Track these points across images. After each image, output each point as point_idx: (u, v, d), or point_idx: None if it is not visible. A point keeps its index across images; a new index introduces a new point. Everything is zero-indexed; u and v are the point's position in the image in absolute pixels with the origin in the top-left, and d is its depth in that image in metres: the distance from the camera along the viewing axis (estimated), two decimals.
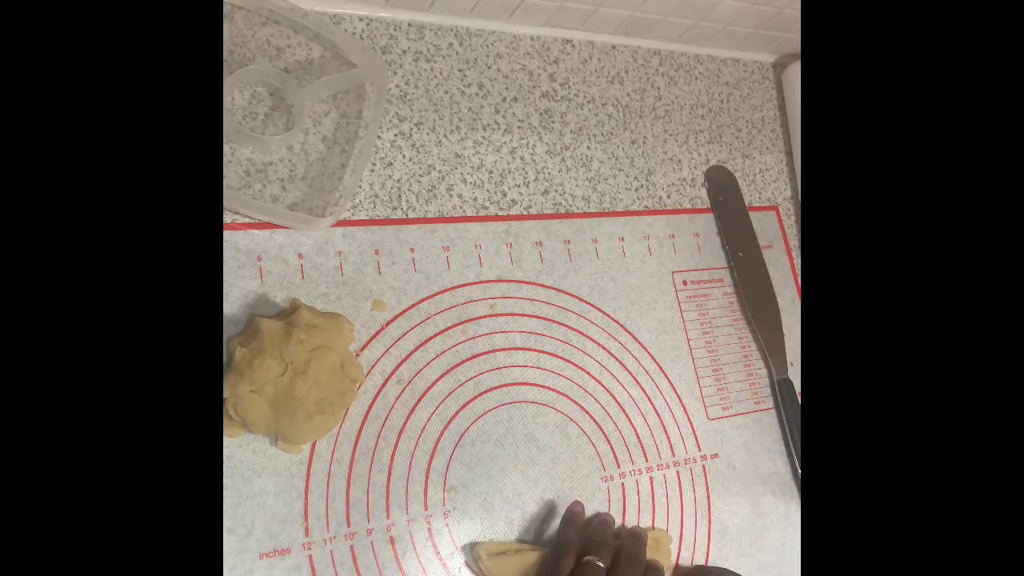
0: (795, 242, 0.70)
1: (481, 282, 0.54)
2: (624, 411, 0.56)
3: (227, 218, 0.47)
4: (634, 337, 0.58)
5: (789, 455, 0.61)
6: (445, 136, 0.56)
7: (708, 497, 0.57)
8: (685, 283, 0.62)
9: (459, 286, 0.53)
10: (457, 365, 0.51)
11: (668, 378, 0.58)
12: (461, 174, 0.56)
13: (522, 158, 0.59)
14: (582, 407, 0.54)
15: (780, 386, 0.62)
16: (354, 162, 0.52)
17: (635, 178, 0.63)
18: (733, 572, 0.52)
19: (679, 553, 0.54)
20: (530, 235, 0.56)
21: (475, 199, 0.56)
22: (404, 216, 0.53)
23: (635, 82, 0.66)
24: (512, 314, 0.54)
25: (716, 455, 0.58)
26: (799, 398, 0.62)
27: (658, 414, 0.57)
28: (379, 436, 0.48)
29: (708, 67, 0.71)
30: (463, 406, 0.50)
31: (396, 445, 0.48)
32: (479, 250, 0.54)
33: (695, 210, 0.65)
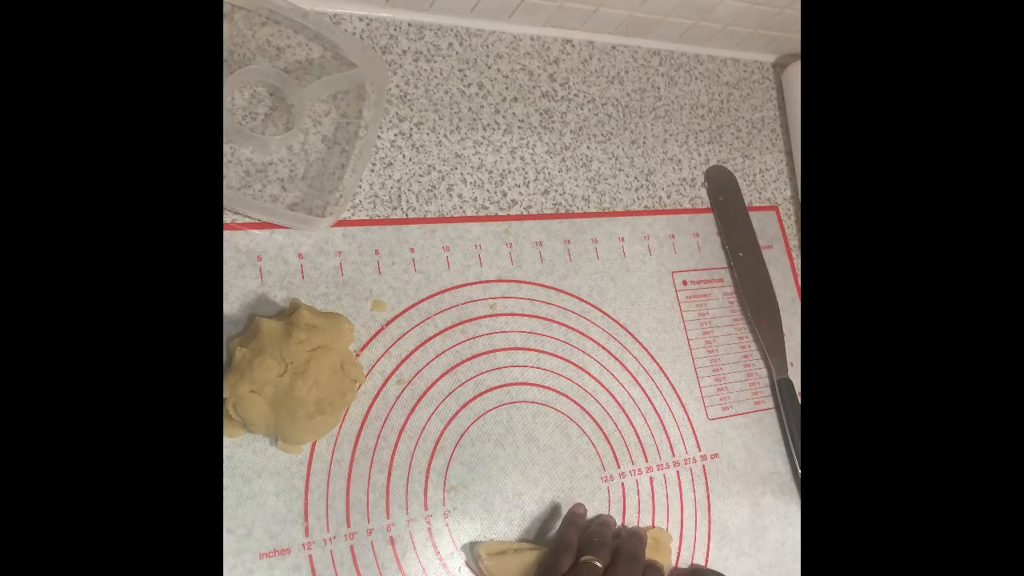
0: (795, 242, 0.70)
1: (481, 282, 0.54)
2: (624, 411, 0.56)
3: (227, 218, 0.47)
4: (634, 337, 0.58)
5: (789, 455, 0.61)
6: (445, 136, 0.56)
7: (708, 497, 0.57)
8: (685, 283, 0.62)
9: (459, 286, 0.53)
10: (457, 365, 0.51)
11: (668, 378, 0.58)
12: (461, 174, 0.56)
13: (522, 158, 0.59)
14: (582, 407, 0.54)
15: (780, 386, 0.62)
16: (354, 162, 0.52)
17: (635, 178, 0.63)
18: None
19: (679, 553, 0.54)
20: (530, 235, 0.56)
21: (475, 199, 0.56)
22: (404, 216, 0.53)
23: (635, 82, 0.66)
24: (512, 314, 0.54)
25: (716, 455, 0.58)
26: (799, 398, 0.62)
27: (658, 414, 0.57)
28: (379, 436, 0.48)
29: (708, 67, 0.71)
30: (463, 406, 0.50)
31: (396, 445, 0.48)
32: (479, 250, 0.54)
33: (695, 210, 0.65)
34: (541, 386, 0.53)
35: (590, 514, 0.52)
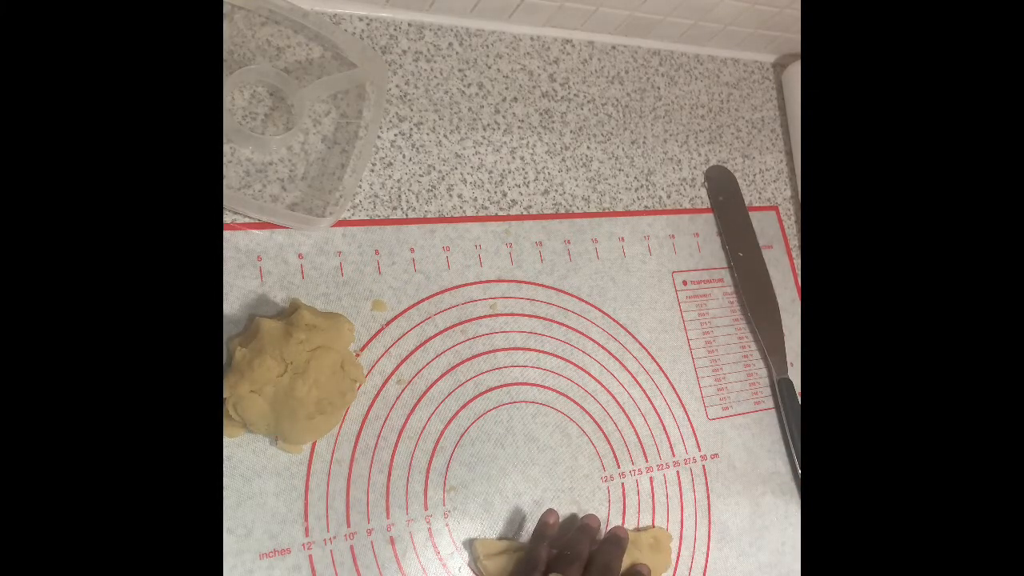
0: (795, 242, 0.70)
1: (481, 282, 0.54)
2: (624, 411, 0.56)
3: (227, 218, 0.47)
4: (634, 337, 0.58)
5: (789, 455, 0.61)
6: (445, 136, 0.56)
7: (708, 497, 0.57)
8: (685, 283, 0.62)
9: (459, 286, 0.53)
10: (457, 365, 0.51)
11: (668, 378, 0.58)
12: (461, 174, 0.56)
13: (522, 158, 0.59)
14: (582, 407, 0.54)
15: (780, 386, 0.62)
16: (354, 162, 0.52)
17: (635, 178, 0.63)
18: None
19: (679, 553, 0.54)
20: (530, 235, 0.56)
21: (475, 199, 0.56)
22: (404, 216, 0.53)
23: (635, 82, 0.66)
24: (512, 314, 0.54)
25: (716, 455, 0.58)
26: (799, 398, 0.62)
27: (658, 414, 0.57)
28: (379, 436, 0.48)
29: (708, 67, 0.71)
30: (463, 406, 0.50)
31: (396, 445, 0.48)
32: (479, 250, 0.54)
33: (695, 210, 0.65)
34: (541, 386, 0.53)
35: (589, 511, 0.52)
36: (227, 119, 0.47)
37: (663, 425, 0.57)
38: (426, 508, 0.48)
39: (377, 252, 0.51)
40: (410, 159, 0.54)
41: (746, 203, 0.68)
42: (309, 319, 0.44)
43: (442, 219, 0.54)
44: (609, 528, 0.51)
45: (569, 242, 0.58)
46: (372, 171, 0.53)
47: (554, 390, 0.54)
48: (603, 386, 0.56)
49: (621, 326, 0.58)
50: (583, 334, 0.56)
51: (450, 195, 0.55)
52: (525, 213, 0.57)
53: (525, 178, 0.58)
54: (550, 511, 0.50)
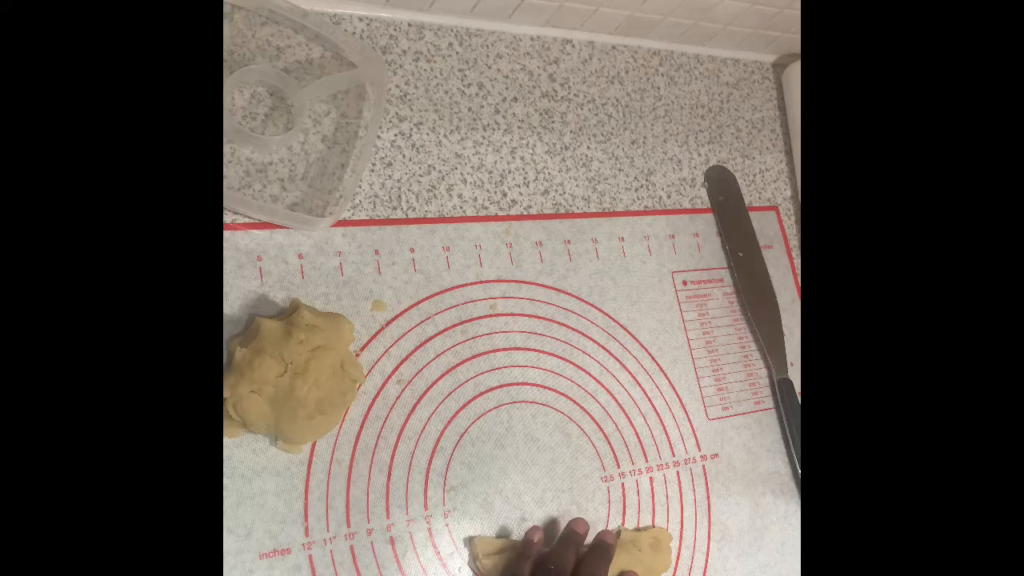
0: (795, 242, 0.70)
1: (481, 282, 0.54)
2: (624, 411, 0.56)
3: (227, 218, 0.47)
4: (634, 337, 0.58)
5: (789, 455, 0.61)
6: (445, 136, 0.56)
7: (708, 497, 0.57)
8: (685, 283, 0.62)
9: (459, 286, 0.53)
10: (457, 365, 0.51)
11: (668, 378, 0.58)
12: (461, 174, 0.56)
13: (522, 158, 0.59)
14: (582, 407, 0.54)
15: (780, 386, 0.62)
16: (354, 162, 0.52)
17: (635, 178, 0.63)
18: None
19: (679, 553, 0.54)
20: (530, 235, 0.56)
21: (475, 199, 0.56)
22: (404, 216, 0.53)
23: (635, 82, 0.66)
24: (512, 314, 0.54)
25: (716, 455, 0.58)
26: (799, 398, 0.62)
27: (658, 414, 0.57)
28: (379, 436, 0.48)
29: (708, 67, 0.71)
30: (463, 406, 0.50)
31: (396, 445, 0.48)
32: (479, 250, 0.54)
33: (695, 210, 0.65)
34: (541, 386, 0.53)
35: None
36: (227, 119, 0.47)
37: (663, 425, 0.57)
38: (426, 508, 0.48)
39: (377, 252, 0.51)
40: (410, 159, 0.54)
41: (746, 203, 0.68)
42: (309, 319, 0.44)
43: (442, 219, 0.54)
44: (597, 533, 0.50)
45: (569, 242, 0.58)
46: (372, 171, 0.53)
47: (554, 390, 0.54)
48: (603, 386, 0.56)
49: (621, 326, 0.58)
50: (583, 334, 0.56)
51: (450, 195, 0.55)
52: (525, 213, 0.57)
53: (525, 178, 0.58)
54: (534, 528, 0.48)
